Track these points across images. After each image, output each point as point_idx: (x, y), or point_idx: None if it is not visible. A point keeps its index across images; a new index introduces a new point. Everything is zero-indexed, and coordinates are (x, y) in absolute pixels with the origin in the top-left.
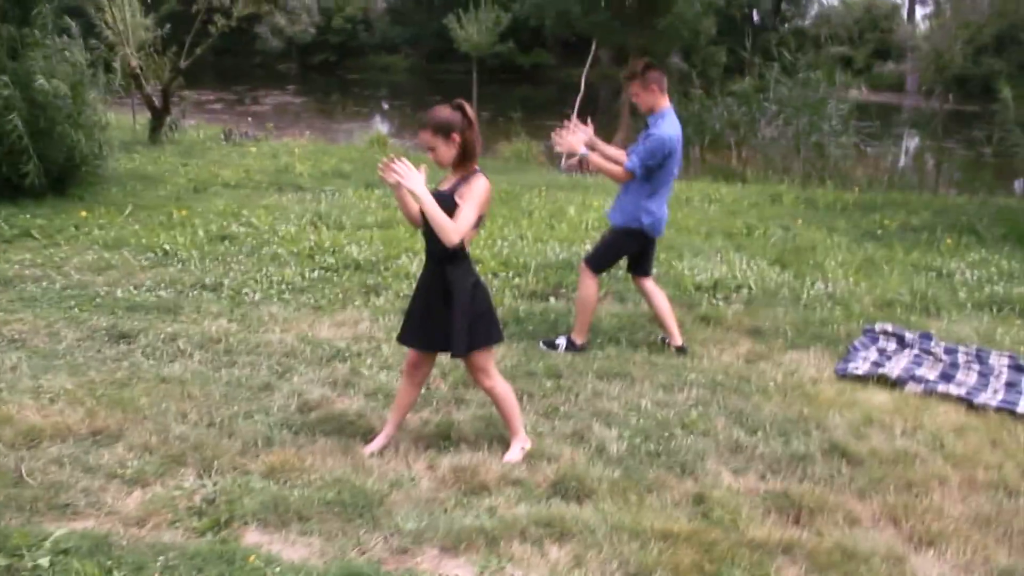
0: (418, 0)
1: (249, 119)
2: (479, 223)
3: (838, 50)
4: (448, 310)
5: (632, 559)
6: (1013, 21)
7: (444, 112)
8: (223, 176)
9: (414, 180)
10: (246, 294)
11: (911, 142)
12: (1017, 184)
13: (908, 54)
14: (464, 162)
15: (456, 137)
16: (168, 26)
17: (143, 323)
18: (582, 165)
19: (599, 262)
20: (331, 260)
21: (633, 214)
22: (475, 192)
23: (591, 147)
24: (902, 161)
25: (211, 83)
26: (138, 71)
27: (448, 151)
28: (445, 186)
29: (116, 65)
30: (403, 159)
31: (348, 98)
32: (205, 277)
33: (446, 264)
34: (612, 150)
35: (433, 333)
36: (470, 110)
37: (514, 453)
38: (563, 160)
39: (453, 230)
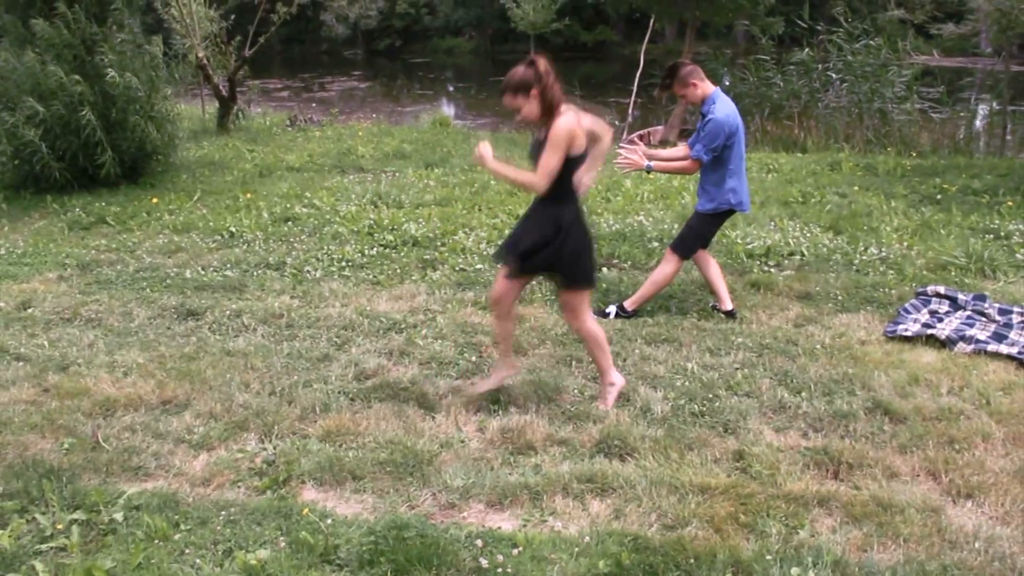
0: None
1: (314, 105)
2: (579, 160)
3: (893, 14)
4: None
5: (670, 511)
6: None
7: (518, 72)
8: (287, 160)
9: (483, 157)
10: (307, 272)
11: (980, 106)
12: None
13: (971, 16)
14: (549, 112)
15: (535, 91)
16: (232, 17)
17: (210, 301)
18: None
19: (687, 248)
20: (390, 237)
21: (720, 197)
22: (553, 137)
23: (651, 158)
24: (969, 125)
25: (278, 71)
26: (205, 62)
27: (531, 107)
28: (541, 135)
29: (189, 58)
30: (483, 142)
31: (413, 81)
32: (269, 256)
33: (548, 201)
34: (671, 151)
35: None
36: (542, 64)
37: (607, 397)
38: (622, 158)
39: (533, 182)
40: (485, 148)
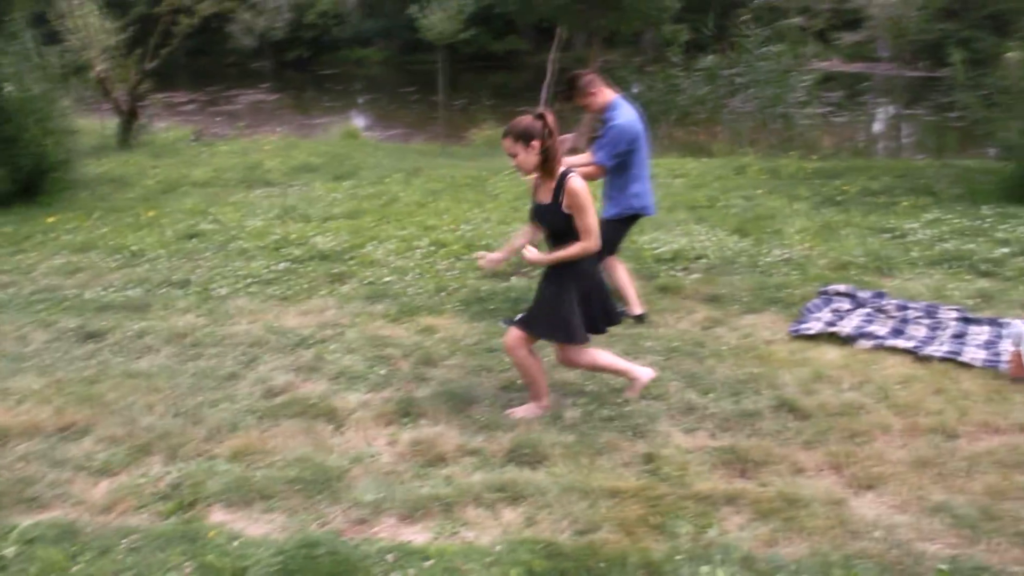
0: None
1: (220, 118)
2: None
3: (794, 22)
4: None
5: (581, 517)
6: None
7: (525, 120)
8: (192, 176)
9: (536, 260)
10: (213, 289)
11: (879, 110)
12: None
13: (867, 23)
14: (547, 167)
15: (536, 144)
16: (132, 29)
17: (112, 322)
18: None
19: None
20: (297, 252)
21: (624, 202)
22: (581, 202)
23: None
24: (868, 129)
25: (184, 84)
26: (104, 76)
27: (528, 158)
28: (545, 198)
29: (88, 72)
30: (529, 249)
31: (322, 93)
32: (173, 275)
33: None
34: (577, 158)
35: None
36: (550, 119)
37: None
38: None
39: (588, 247)
40: (533, 253)
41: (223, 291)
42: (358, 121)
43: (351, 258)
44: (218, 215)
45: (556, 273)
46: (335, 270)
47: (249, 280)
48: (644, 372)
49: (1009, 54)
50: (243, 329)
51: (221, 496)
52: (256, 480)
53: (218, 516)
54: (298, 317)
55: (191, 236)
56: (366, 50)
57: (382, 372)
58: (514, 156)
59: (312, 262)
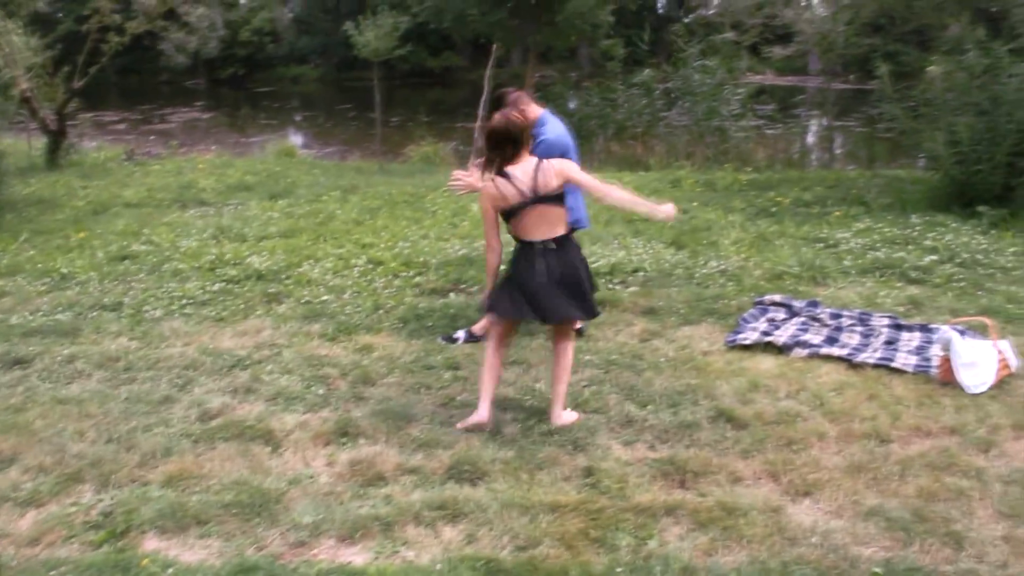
0: (324, 8)
1: (153, 137)
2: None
3: (727, 36)
4: (580, 282)
5: (522, 532)
6: (885, 2)
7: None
8: (124, 196)
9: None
10: (147, 311)
11: (812, 122)
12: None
13: (797, 38)
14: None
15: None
16: (59, 47)
17: (39, 347)
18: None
19: None
20: (233, 272)
21: None
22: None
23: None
24: (801, 141)
25: (115, 103)
26: (30, 95)
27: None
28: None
29: (11, 91)
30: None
31: (258, 111)
32: (104, 297)
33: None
34: None
35: (559, 305)
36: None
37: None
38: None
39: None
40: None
41: (157, 313)
42: (294, 139)
43: (287, 277)
44: (151, 236)
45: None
46: (271, 290)
47: (184, 301)
48: (481, 414)
49: (931, 68)
50: (178, 351)
51: (155, 523)
52: (191, 505)
53: (152, 544)
54: (234, 338)
55: (123, 258)
56: (302, 67)
57: (320, 392)
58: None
59: (248, 282)
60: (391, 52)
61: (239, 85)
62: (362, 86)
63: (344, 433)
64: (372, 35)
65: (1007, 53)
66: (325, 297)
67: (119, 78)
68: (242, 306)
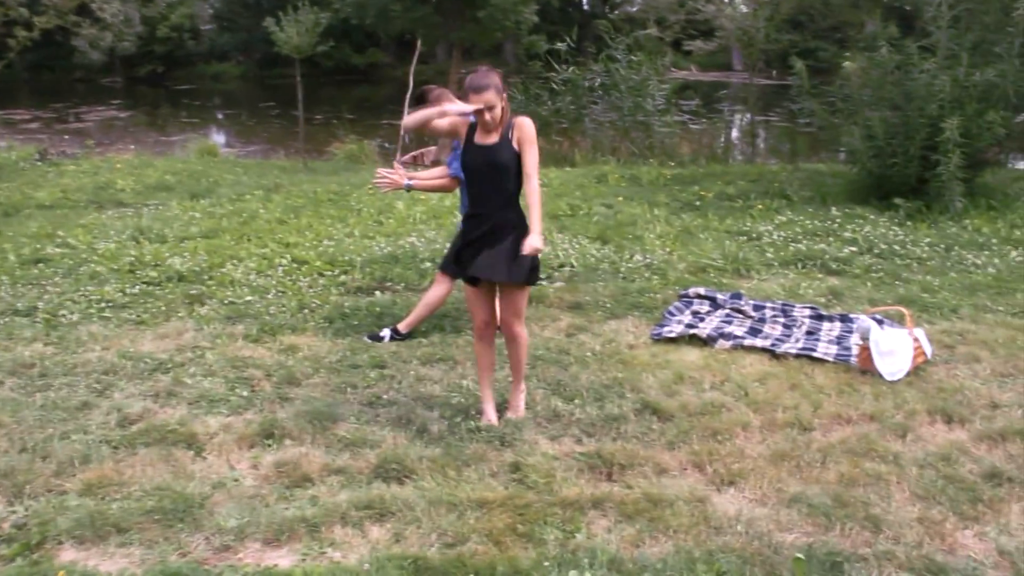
0: (245, 5)
1: (67, 137)
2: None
3: (650, 32)
4: (514, 245)
5: (449, 529)
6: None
7: (496, 74)
8: (37, 198)
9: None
10: (63, 316)
11: (735, 117)
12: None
13: (718, 33)
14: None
15: (506, 94)
16: None
17: None
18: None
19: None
20: (153, 274)
21: None
22: (532, 131)
23: (411, 177)
24: (724, 135)
25: (26, 101)
26: None
27: (504, 108)
28: (492, 140)
29: None
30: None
31: (179, 109)
32: (17, 302)
33: (511, 208)
34: (432, 171)
35: (502, 265)
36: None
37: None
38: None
39: (537, 186)
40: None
41: (74, 317)
42: (216, 137)
43: (210, 278)
44: (67, 238)
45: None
46: (193, 291)
47: (102, 305)
48: (488, 416)
49: (846, 64)
50: (96, 356)
51: (72, 533)
52: (111, 513)
53: (69, 555)
54: (155, 341)
55: (37, 261)
56: (223, 65)
57: (244, 394)
58: (492, 108)
59: (169, 284)
60: (313, 49)
61: (158, 83)
62: (285, 83)
63: (269, 435)
64: (293, 32)
65: (917, 50)
66: (248, 297)
67: (30, 75)
68: (163, 308)
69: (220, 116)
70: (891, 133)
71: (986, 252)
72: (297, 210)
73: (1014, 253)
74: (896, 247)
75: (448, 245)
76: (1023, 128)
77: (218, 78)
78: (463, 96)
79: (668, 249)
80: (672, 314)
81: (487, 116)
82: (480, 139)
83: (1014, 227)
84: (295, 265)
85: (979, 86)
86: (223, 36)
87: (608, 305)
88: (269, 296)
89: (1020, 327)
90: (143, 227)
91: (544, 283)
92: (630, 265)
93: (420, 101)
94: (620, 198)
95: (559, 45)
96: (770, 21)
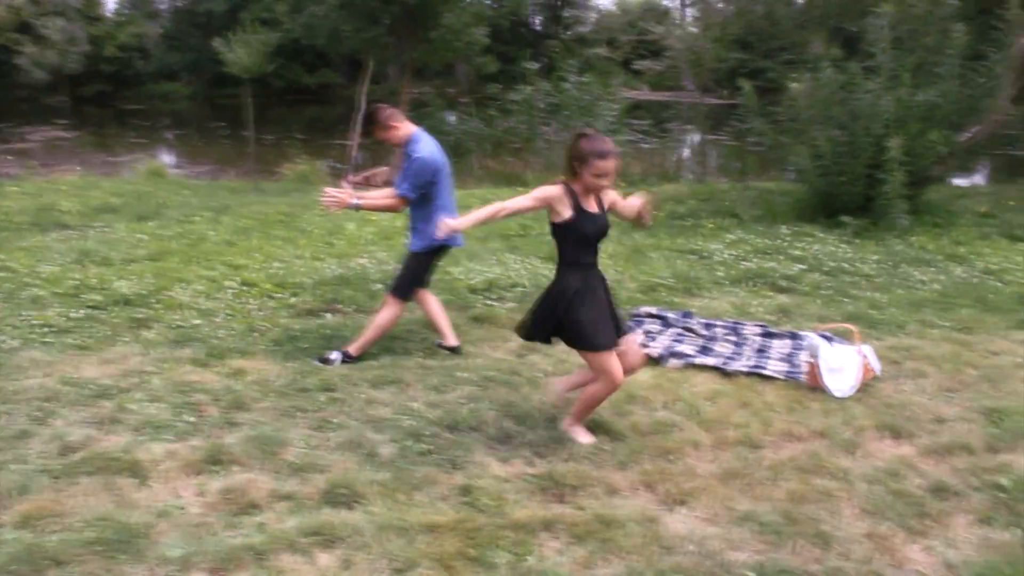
0: (194, 24)
1: (10, 158)
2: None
3: (598, 52)
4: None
5: (399, 555)
6: (750, 20)
7: (607, 138)
8: None
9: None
10: (2, 342)
11: (686, 137)
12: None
13: (667, 53)
14: None
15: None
16: None
17: None
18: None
19: (406, 290)
20: (98, 297)
21: (431, 234)
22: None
23: (360, 197)
24: (675, 154)
25: None
26: None
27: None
28: (594, 207)
29: None
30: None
31: (127, 130)
32: None
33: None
34: (381, 191)
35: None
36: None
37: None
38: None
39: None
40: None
41: (14, 343)
42: (165, 158)
43: (156, 302)
44: (7, 261)
45: None
46: (139, 315)
47: (44, 329)
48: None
49: (792, 85)
50: (36, 383)
51: (7, 568)
52: (49, 546)
53: None
54: (98, 367)
55: None
56: (172, 84)
57: (190, 419)
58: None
59: (114, 308)
60: (263, 69)
61: (105, 103)
62: (235, 103)
63: (216, 461)
64: (243, 52)
65: (861, 71)
66: (196, 321)
67: None
68: (107, 333)
69: (169, 136)
70: (837, 152)
71: (931, 268)
72: (246, 231)
73: (958, 269)
74: (844, 264)
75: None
76: (965, 147)
77: (167, 98)
78: (577, 157)
79: (619, 268)
80: None
81: (606, 183)
82: (587, 207)
83: (958, 243)
84: (244, 287)
85: (921, 106)
86: (172, 55)
87: None
88: (217, 319)
89: (964, 342)
90: (87, 250)
91: (495, 304)
92: None
93: (371, 120)
94: None
95: (529, 65)
96: (718, 41)
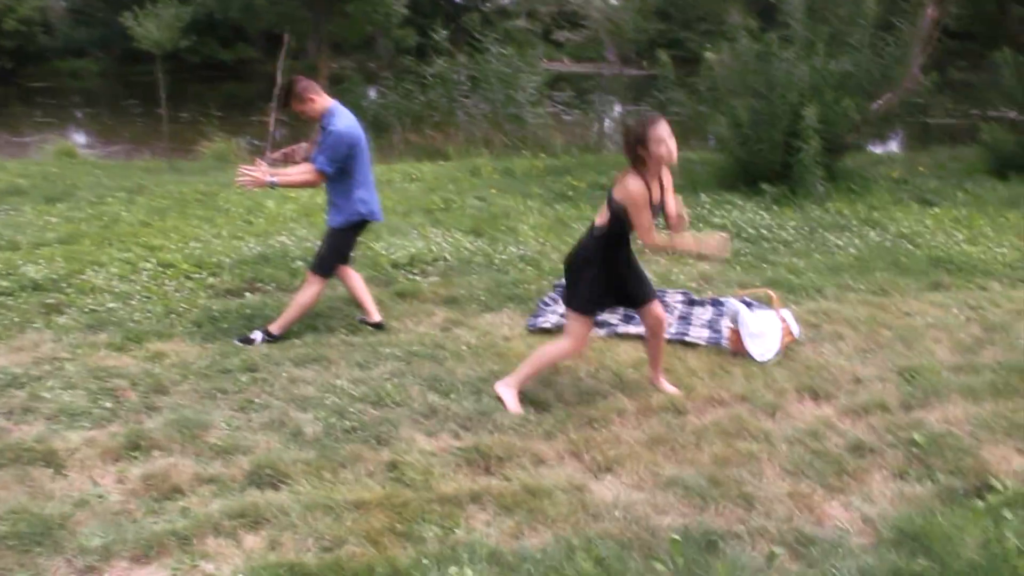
0: None
1: None
2: None
3: (518, 23)
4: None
5: (326, 533)
6: None
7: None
8: None
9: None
10: None
11: (607, 107)
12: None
13: (585, 24)
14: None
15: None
16: None
17: None
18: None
19: (327, 267)
20: (5, 284)
21: (350, 208)
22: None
23: (276, 174)
24: (596, 126)
25: None
26: None
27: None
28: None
29: None
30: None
31: (33, 108)
32: None
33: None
34: (298, 167)
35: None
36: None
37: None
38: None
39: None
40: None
41: None
42: (76, 138)
43: (68, 286)
44: None
45: None
46: (50, 300)
47: None
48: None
49: (709, 55)
50: None
51: None
52: None
53: None
54: (8, 355)
55: None
56: (80, 61)
57: (107, 405)
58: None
59: (23, 293)
60: (175, 44)
61: (8, 80)
62: (148, 80)
63: (136, 447)
64: (153, 26)
65: (777, 41)
66: (111, 304)
67: None
68: (17, 320)
69: (79, 115)
70: (756, 121)
71: (847, 233)
72: (162, 212)
73: (872, 233)
74: (763, 231)
75: None
76: (878, 115)
77: (76, 75)
78: (637, 141)
79: (542, 240)
80: (547, 304)
81: (673, 151)
82: (654, 190)
83: (872, 208)
84: (161, 269)
85: (835, 75)
86: (79, 30)
87: (483, 298)
88: (133, 302)
89: (880, 304)
90: None
91: (418, 278)
92: (504, 257)
93: (288, 92)
94: (494, 190)
95: (439, 35)
96: (638, 12)
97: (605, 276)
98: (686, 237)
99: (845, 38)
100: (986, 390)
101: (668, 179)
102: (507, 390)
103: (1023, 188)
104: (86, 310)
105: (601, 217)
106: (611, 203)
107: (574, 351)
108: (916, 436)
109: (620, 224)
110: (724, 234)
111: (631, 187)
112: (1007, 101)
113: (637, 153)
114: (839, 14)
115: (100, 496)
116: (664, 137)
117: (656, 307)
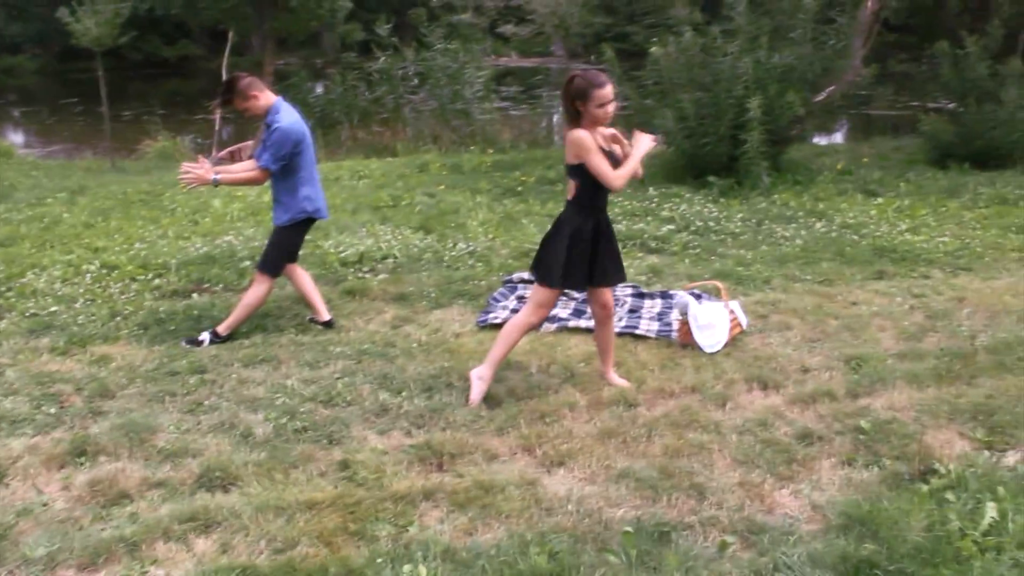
0: None
1: None
2: None
3: (463, 18)
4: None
5: (278, 534)
6: None
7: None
8: None
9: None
10: None
11: (554, 102)
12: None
13: (530, 18)
14: None
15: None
16: None
17: None
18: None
19: (275, 266)
20: None
21: (296, 206)
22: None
23: (219, 172)
24: (544, 121)
25: None
26: None
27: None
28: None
29: None
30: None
31: None
32: None
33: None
34: (241, 164)
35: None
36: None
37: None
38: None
39: None
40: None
41: None
42: (13, 138)
43: (8, 290)
44: None
45: None
46: None
47: None
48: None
49: (653, 49)
50: None
51: None
52: None
53: None
54: None
55: None
56: (16, 57)
57: (51, 411)
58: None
59: None
60: (115, 41)
61: None
62: (89, 78)
63: (81, 452)
64: (91, 22)
65: (720, 34)
66: (54, 308)
67: None
68: None
69: (15, 114)
70: (701, 114)
71: (793, 224)
72: (105, 212)
73: (818, 225)
74: (711, 223)
75: None
76: (821, 107)
77: (11, 72)
78: (577, 95)
79: (491, 236)
80: (497, 300)
81: (610, 111)
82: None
83: (817, 199)
84: (105, 271)
85: (778, 68)
86: (13, 26)
87: (433, 295)
88: (77, 305)
89: (826, 294)
90: None
91: (367, 276)
92: (454, 253)
93: (230, 90)
94: (442, 186)
95: (383, 31)
96: (583, 6)
97: (579, 248)
98: (633, 155)
99: (787, 32)
100: (929, 376)
101: (606, 133)
102: (479, 382)
103: (962, 178)
104: (27, 314)
105: (570, 192)
106: (570, 171)
107: (539, 319)
108: (862, 423)
109: (589, 189)
110: (647, 135)
111: (578, 137)
112: (945, 92)
113: (575, 107)
114: (781, 7)
115: (44, 504)
116: (607, 100)
117: (608, 295)
